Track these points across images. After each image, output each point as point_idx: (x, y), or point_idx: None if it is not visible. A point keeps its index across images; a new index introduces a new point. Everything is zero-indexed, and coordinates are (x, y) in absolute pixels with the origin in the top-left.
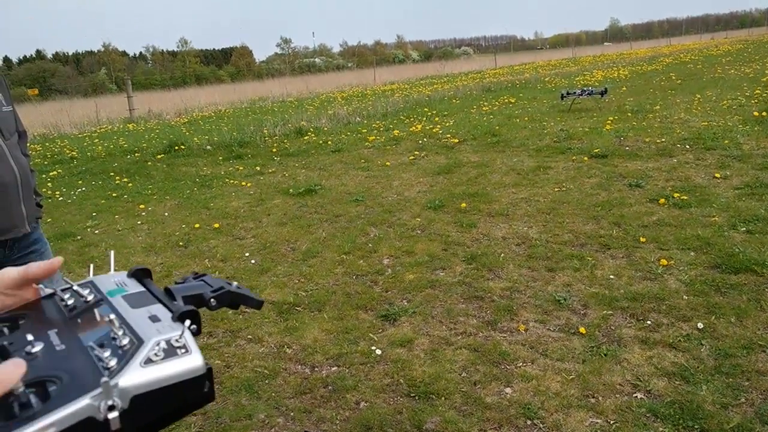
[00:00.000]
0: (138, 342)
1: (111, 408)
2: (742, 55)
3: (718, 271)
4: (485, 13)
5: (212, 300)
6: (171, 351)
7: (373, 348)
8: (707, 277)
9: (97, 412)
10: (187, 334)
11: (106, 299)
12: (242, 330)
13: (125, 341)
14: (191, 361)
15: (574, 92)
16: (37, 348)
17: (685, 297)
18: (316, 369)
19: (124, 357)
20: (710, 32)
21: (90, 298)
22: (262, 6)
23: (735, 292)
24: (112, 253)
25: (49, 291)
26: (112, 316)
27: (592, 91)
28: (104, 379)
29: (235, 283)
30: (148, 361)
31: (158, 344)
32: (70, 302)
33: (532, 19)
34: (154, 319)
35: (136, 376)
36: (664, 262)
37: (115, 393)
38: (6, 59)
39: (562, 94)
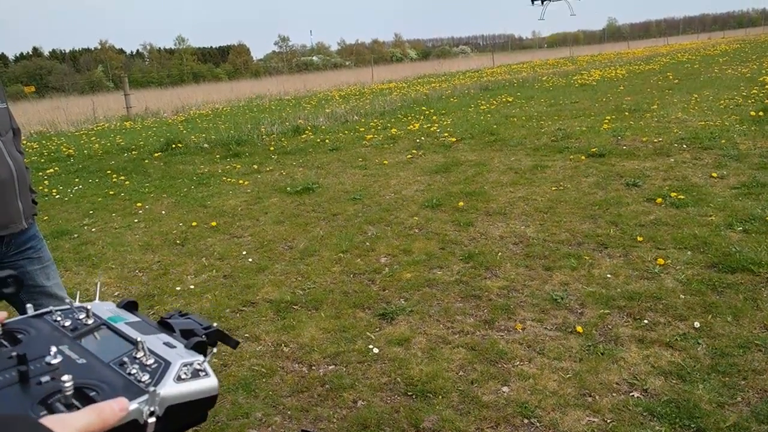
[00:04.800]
0: (165, 363)
1: (151, 414)
2: (739, 54)
3: (715, 270)
4: (483, 12)
5: (203, 336)
6: (195, 373)
7: (371, 346)
8: (704, 276)
9: (140, 416)
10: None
11: (110, 325)
12: (239, 328)
13: (150, 361)
14: (211, 382)
15: None
16: (57, 360)
17: (681, 296)
18: (313, 367)
19: (156, 373)
20: (707, 32)
21: (90, 321)
22: (260, 4)
23: (731, 291)
24: (99, 282)
25: (42, 311)
26: (139, 339)
27: None
28: (152, 388)
29: (215, 324)
30: (179, 379)
31: (185, 366)
32: (66, 323)
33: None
34: (170, 345)
35: (172, 389)
36: (661, 261)
37: (157, 401)
38: (2, 56)
39: None
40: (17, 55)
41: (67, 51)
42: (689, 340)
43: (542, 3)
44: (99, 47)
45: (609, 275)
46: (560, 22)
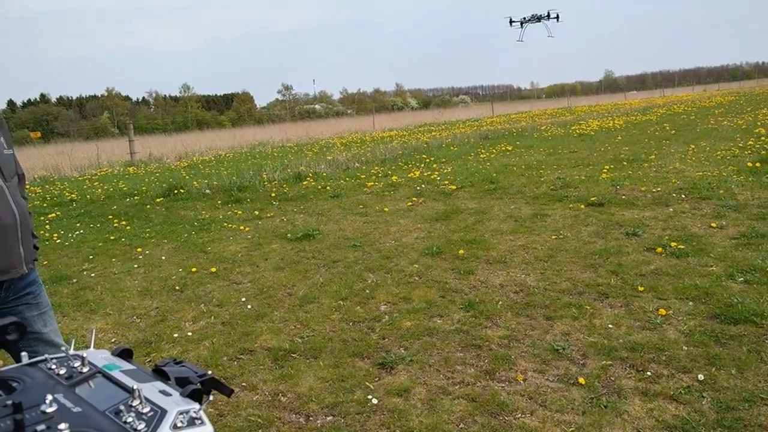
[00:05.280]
0: (161, 411)
1: None
2: (734, 106)
3: (718, 321)
4: (482, 63)
5: (198, 384)
6: (192, 421)
7: (370, 397)
8: (706, 327)
9: None
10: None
11: (105, 373)
12: (236, 377)
13: (146, 409)
14: (207, 431)
15: (522, 18)
16: (53, 408)
17: (684, 347)
18: (311, 418)
19: (152, 422)
20: (702, 84)
21: (85, 369)
22: (264, 53)
23: (735, 343)
24: (93, 330)
25: (37, 359)
26: (135, 386)
27: (541, 16)
28: None
29: (210, 371)
30: (176, 427)
31: (181, 414)
32: (61, 371)
33: (529, 70)
34: (165, 393)
35: None
36: (662, 311)
37: None
38: (10, 102)
39: (511, 20)
40: (25, 101)
41: (74, 98)
42: (693, 394)
43: (521, 25)
44: (105, 94)
45: (611, 325)
46: (558, 74)
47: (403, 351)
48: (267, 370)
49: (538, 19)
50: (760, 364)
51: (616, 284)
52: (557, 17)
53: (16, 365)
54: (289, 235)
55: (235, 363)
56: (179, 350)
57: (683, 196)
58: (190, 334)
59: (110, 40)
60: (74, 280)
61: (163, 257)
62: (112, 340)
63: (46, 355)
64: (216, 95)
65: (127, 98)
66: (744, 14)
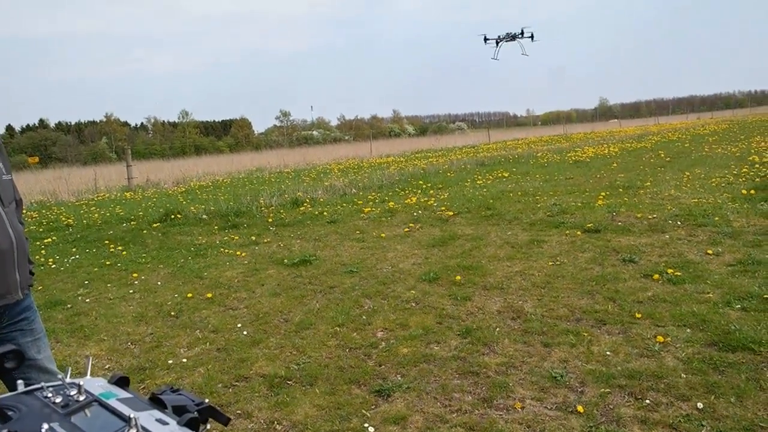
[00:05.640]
0: None
1: None
2: (727, 134)
3: (716, 348)
4: (479, 90)
5: (195, 412)
6: None
7: (366, 425)
8: (705, 355)
9: None
10: None
11: (102, 401)
12: (231, 404)
13: None
14: None
15: (497, 37)
16: None
17: (683, 375)
18: None
19: None
20: (696, 112)
21: (81, 398)
22: (262, 80)
23: (733, 371)
24: (90, 358)
25: (33, 387)
26: (132, 415)
27: (515, 35)
28: None
29: (207, 400)
30: None
31: None
32: (57, 399)
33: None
34: (162, 422)
35: None
36: (660, 338)
37: None
38: (8, 127)
39: (485, 38)
40: (23, 126)
41: (73, 123)
42: (693, 422)
43: (496, 44)
44: (104, 120)
45: (608, 352)
46: (553, 101)
47: (399, 378)
48: (262, 398)
49: (512, 37)
50: (759, 392)
51: (614, 311)
52: (531, 36)
53: (11, 393)
54: (285, 260)
55: (230, 390)
56: (174, 377)
57: (679, 222)
58: (185, 360)
59: (111, 66)
60: (69, 306)
61: (159, 283)
62: (106, 367)
63: (42, 383)
64: (214, 121)
65: (126, 124)
66: (737, 43)
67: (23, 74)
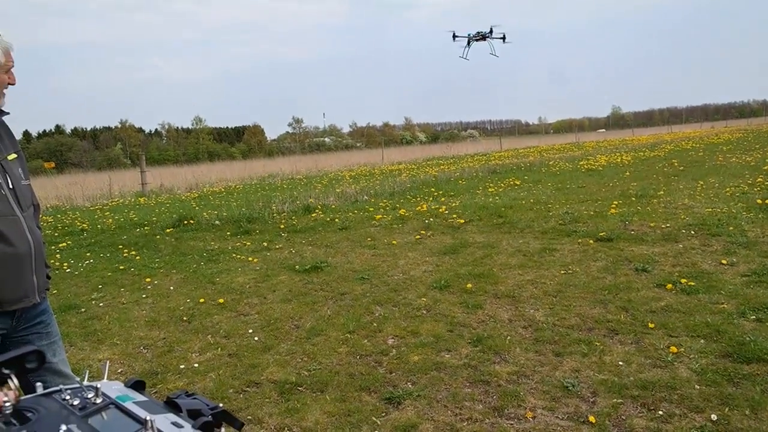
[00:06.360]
0: None
1: None
2: (742, 143)
3: (730, 360)
4: (491, 98)
5: (210, 416)
6: None
7: None
8: (719, 366)
9: None
10: None
11: (118, 404)
12: (242, 410)
13: None
14: None
15: (468, 35)
16: None
17: (696, 386)
18: None
19: None
20: (710, 121)
21: (98, 400)
22: (276, 87)
23: (748, 382)
24: (107, 363)
25: (51, 389)
26: (148, 418)
27: (485, 34)
28: None
29: (221, 404)
30: None
31: None
32: (75, 402)
33: (536, 105)
34: (177, 425)
35: None
36: (674, 349)
37: None
38: (25, 133)
39: (454, 34)
40: (40, 131)
41: (89, 129)
42: None
43: (468, 43)
44: (119, 126)
45: (621, 362)
46: (565, 109)
47: (410, 386)
48: (273, 404)
49: (483, 37)
50: None
51: (626, 321)
52: (503, 37)
53: (31, 396)
54: (297, 267)
55: (241, 396)
56: (185, 382)
57: (693, 232)
58: (196, 365)
59: (127, 73)
60: (83, 310)
61: (172, 288)
62: (119, 371)
63: (61, 386)
64: (227, 127)
65: (140, 130)
66: (751, 52)
67: (41, 81)
